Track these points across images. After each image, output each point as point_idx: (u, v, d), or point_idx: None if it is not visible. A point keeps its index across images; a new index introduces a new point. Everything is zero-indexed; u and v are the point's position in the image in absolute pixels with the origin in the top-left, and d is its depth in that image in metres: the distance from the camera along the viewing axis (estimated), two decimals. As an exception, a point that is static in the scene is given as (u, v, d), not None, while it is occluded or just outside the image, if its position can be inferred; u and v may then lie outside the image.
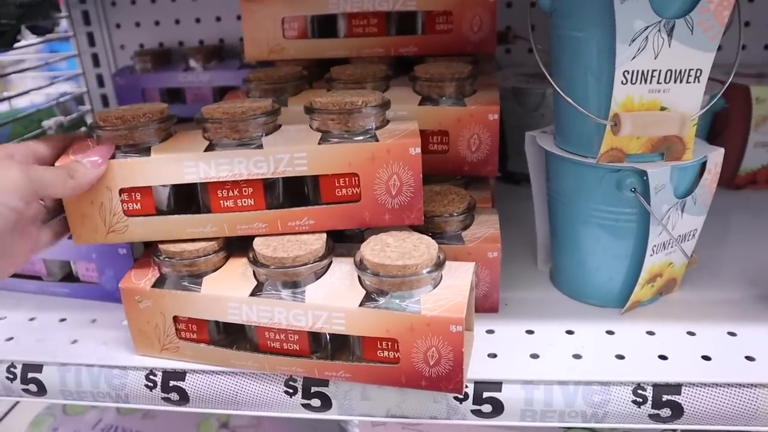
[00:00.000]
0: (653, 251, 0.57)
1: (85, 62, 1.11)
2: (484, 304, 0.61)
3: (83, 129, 1.08)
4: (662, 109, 0.53)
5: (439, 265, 0.51)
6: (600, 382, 0.52)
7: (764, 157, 0.85)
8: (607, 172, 0.55)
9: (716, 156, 0.57)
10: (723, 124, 0.86)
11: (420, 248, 0.52)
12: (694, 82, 0.52)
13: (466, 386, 0.52)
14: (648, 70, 0.51)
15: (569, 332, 0.58)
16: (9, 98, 1.00)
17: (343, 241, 0.58)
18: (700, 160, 0.56)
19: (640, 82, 0.51)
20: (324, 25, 0.75)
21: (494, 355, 0.56)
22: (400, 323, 0.50)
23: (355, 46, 0.74)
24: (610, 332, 0.58)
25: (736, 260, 0.69)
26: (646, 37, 0.50)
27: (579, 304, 0.63)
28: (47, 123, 0.98)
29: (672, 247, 0.58)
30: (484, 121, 0.63)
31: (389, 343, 0.51)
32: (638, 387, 0.52)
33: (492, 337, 0.58)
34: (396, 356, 0.51)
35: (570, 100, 0.54)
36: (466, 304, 0.49)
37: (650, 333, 0.58)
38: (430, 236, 0.55)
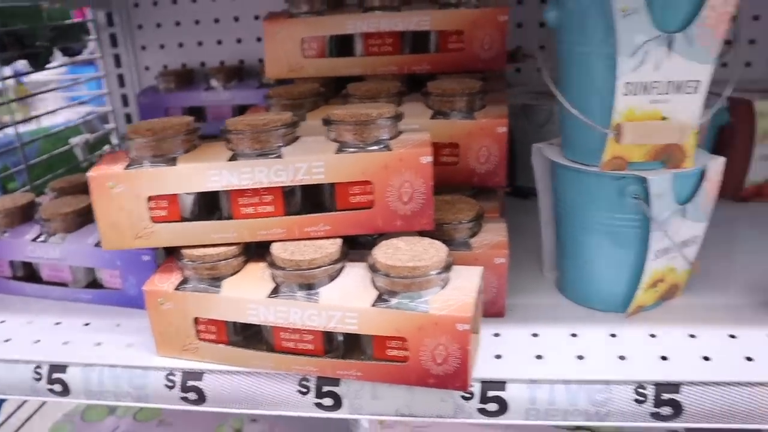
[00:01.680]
0: (655, 256, 0.59)
1: (111, 83, 1.16)
2: (491, 309, 0.63)
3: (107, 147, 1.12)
4: (663, 118, 0.55)
5: (447, 267, 0.54)
6: (602, 381, 0.54)
7: (769, 170, 0.87)
8: (610, 179, 0.58)
9: (716, 164, 0.59)
10: (728, 137, 0.88)
11: (430, 251, 0.54)
12: (693, 93, 0.54)
13: (472, 385, 0.54)
14: (649, 82, 0.53)
15: (573, 335, 0.60)
16: (38, 116, 1.04)
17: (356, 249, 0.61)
18: (700, 167, 0.58)
19: (641, 93, 0.54)
20: (341, 45, 0.78)
21: (499, 356, 0.58)
22: (410, 322, 0.52)
23: (371, 65, 0.77)
24: (612, 335, 0.60)
25: (738, 268, 0.70)
26: (647, 50, 0.52)
27: (583, 308, 0.65)
28: (74, 140, 1.02)
29: (674, 252, 0.60)
30: (493, 134, 0.66)
31: (399, 342, 0.53)
32: (639, 386, 0.53)
33: (498, 340, 0.60)
34: (405, 355, 0.53)
35: (574, 110, 0.57)
36: (473, 304, 0.52)
37: (652, 335, 0.59)
38: (443, 243, 0.57)
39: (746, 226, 0.82)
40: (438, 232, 0.62)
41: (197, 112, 1.03)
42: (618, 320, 0.62)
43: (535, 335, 0.61)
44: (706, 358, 0.55)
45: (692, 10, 0.52)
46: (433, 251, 0.54)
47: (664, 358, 0.56)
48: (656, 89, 0.54)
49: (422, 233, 0.59)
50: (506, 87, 0.98)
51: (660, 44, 0.52)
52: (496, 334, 0.61)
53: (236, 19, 1.10)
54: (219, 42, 1.11)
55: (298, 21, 0.77)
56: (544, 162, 0.65)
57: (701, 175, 0.59)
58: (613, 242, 0.61)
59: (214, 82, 1.01)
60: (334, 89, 0.80)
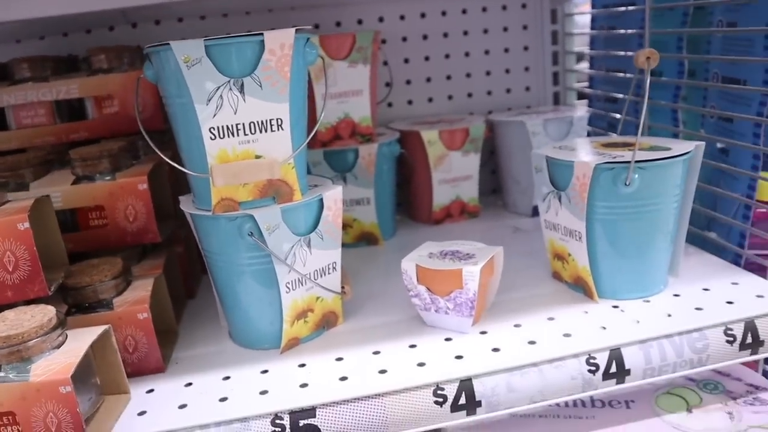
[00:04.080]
0: (288, 289, 0.61)
1: None
2: (148, 365, 0.62)
3: None
4: (257, 157, 0.58)
5: (51, 329, 0.52)
6: (241, 418, 0.55)
7: (451, 192, 0.94)
8: (227, 221, 0.59)
9: (333, 194, 0.63)
10: (410, 167, 0.95)
11: (36, 317, 0.53)
12: (278, 130, 0.57)
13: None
14: (232, 125, 0.56)
15: (226, 378, 0.61)
16: None
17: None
18: (315, 198, 0.61)
19: (228, 136, 0.56)
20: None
21: (144, 413, 0.57)
22: (13, 394, 0.50)
23: (27, 137, 0.75)
24: (264, 371, 0.61)
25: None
26: (221, 95, 0.55)
27: (249, 350, 0.65)
28: None
29: (309, 283, 0.62)
30: (135, 191, 0.66)
31: (9, 418, 0.51)
32: (276, 417, 0.54)
33: (150, 397, 0.59)
34: (19, 430, 0.51)
35: (167, 159, 0.58)
36: (77, 363, 0.50)
37: (302, 365, 0.61)
38: (85, 306, 0.57)
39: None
40: (79, 296, 0.61)
41: None
42: (273, 357, 0.63)
43: (188, 384, 0.61)
44: (344, 378, 0.58)
45: (253, 56, 0.55)
46: (39, 316, 0.53)
47: (303, 385, 0.58)
48: (241, 131, 0.57)
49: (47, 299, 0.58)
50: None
51: (231, 89, 0.55)
52: (150, 390, 0.60)
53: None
54: None
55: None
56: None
57: (320, 205, 0.62)
58: (254, 281, 0.62)
59: None
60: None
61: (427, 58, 1.04)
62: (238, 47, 0.55)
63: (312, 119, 0.84)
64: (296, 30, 0.57)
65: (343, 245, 0.89)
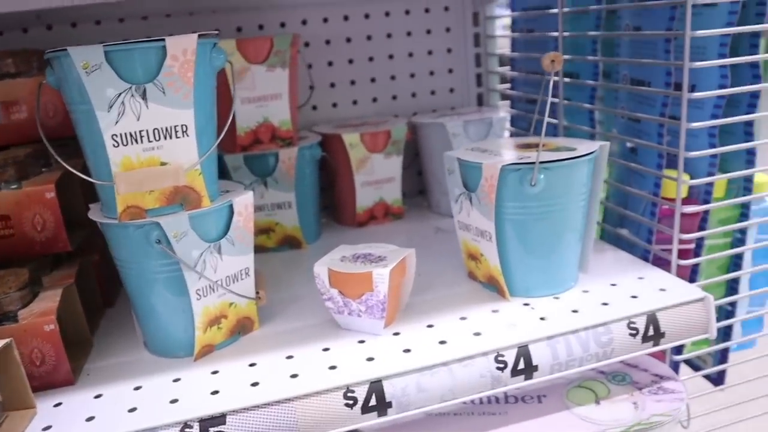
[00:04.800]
0: (199, 295, 0.61)
1: None
2: (57, 378, 0.61)
3: None
4: (162, 164, 0.57)
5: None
6: (149, 428, 0.54)
7: (374, 194, 0.95)
8: (135, 229, 0.59)
9: (244, 199, 0.63)
10: (333, 170, 0.95)
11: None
12: (183, 136, 0.57)
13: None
14: (135, 132, 0.56)
15: (137, 388, 0.60)
16: None
17: None
18: (224, 204, 0.61)
19: (132, 143, 0.56)
20: None
21: (49, 427, 0.55)
22: None
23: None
24: (176, 380, 0.60)
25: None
26: (123, 102, 0.54)
27: (164, 359, 0.65)
28: None
29: (221, 289, 0.62)
30: (42, 200, 0.65)
31: None
32: (185, 425, 0.54)
33: (57, 410, 0.58)
34: None
35: (70, 167, 0.57)
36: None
37: (215, 372, 0.61)
38: None
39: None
40: (-18, 309, 0.59)
41: None
42: (186, 365, 0.63)
43: (98, 396, 0.59)
44: (255, 384, 0.58)
45: (155, 62, 0.55)
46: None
47: (215, 392, 0.57)
48: (145, 137, 0.56)
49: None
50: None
51: (134, 96, 0.55)
52: (58, 404, 0.59)
53: None
54: None
55: None
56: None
57: (230, 211, 0.62)
58: (165, 289, 0.62)
59: None
60: None
61: (351, 61, 1.05)
62: (138, 53, 0.54)
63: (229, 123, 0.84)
64: (201, 35, 0.57)
65: (267, 249, 0.90)
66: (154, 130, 0.56)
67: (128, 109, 0.55)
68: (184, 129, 0.57)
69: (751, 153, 0.76)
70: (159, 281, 0.61)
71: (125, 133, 0.55)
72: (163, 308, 0.63)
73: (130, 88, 0.54)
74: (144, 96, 0.55)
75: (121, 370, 0.64)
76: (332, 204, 1.03)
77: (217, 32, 0.60)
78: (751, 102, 0.75)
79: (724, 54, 0.72)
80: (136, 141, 0.56)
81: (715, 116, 0.74)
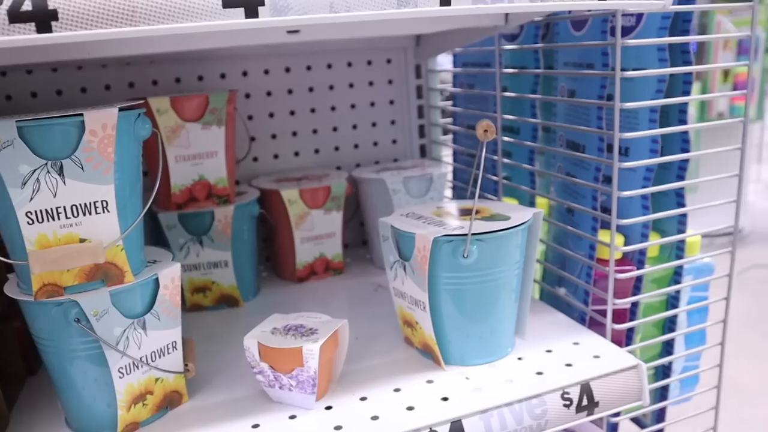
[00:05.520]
0: (122, 373, 0.58)
1: None
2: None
3: None
4: (82, 240, 0.55)
5: None
6: None
7: (314, 249, 0.94)
8: (53, 306, 0.56)
9: (170, 272, 0.61)
10: (271, 227, 0.93)
11: None
12: (103, 212, 0.55)
13: None
14: (51, 209, 0.53)
15: (52, 473, 0.57)
16: None
17: None
18: (149, 279, 0.59)
19: (48, 220, 0.53)
20: None
21: None
22: None
23: None
24: (95, 464, 0.58)
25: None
26: (38, 178, 0.52)
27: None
28: None
29: (145, 366, 0.60)
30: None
31: None
32: None
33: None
34: None
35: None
36: None
37: (136, 454, 0.58)
38: None
39: (304, 305, 0.87)
40: None
41: None
42: (108, 443, 0.60)
43: (10, 483, 0.56)
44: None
45: (72, 137, 0.53)
46: None
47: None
48: (62, 214, 0.54)
49: None
50: None
51: (49, 172, 0.52)
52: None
53: None
54: None
55: None
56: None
57: (156, 285, 0.60)
58: (86, 367, 0.59)
59: None
60: None
61: (292, 113, 1.04)
62: (54, 129, 0.52)
63: (162, 180, 0.82)
64: (123, 108, 0.55)
65: (203, 308, 0.87)
66: (72, 206, 0.54)
67: (44, 186, 0.53)
68: (105, 204, 0.55)
69: (682, 216, 0.78)
70: (79, 359, 0.59)
71: (40, 210, 0.53)
72: (84, 386, 0.60)
73: (46, 164, 0.52)
74: (61, 172, 0.53)
75: (37, 451, 0.61)
76: (272, 257, 1.01)
77: (140, 103, 0.58)
78: (682, 166, 0.76)
79: (655, 120, 0.73)
80: (53, 218, 0.54)
81: (647, 179, 0.75)
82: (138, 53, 0.68)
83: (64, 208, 0.54)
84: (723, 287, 0.81)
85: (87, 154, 0.53)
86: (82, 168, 0.53)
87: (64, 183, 0.53)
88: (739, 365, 1.82)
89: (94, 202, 0.55)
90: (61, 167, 0.53)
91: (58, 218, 0.54)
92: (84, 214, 0.55)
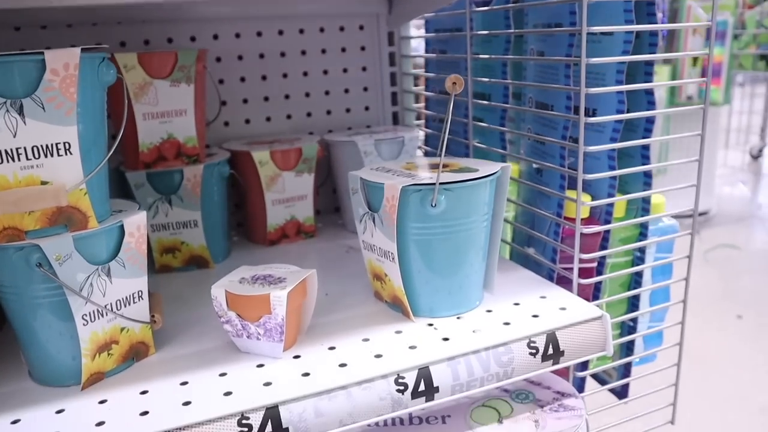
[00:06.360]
0: (86, 321, 0.58)
1: None
2: (-75, 413, 0.57)
3: None
4: (43, 183, 0.54)
5: None
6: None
7: (285, 212, 0.93)
8: (14, 251, 0.55)
9: (136, 220, 0.60)
10: (244, 188, 0.93)
11: None
12: (66, 154, 0.54)
13: None
14: (11, 149, 0.52)
15: (15, 421, 0.56)
16: None
17: None
18: (113, 225, 0.59)
19: (8, 161, 0.53)
20: None
21: None
22: None
23: None
24: (60, 411, 0.57)
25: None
26: (-24, 118, 0.51)
27: (49, 389, 0.61)
28: None
29: (110, 314, 0.59)
30: None
31: None
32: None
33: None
34: None
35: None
36: None
37: (102, 402, 0.58)
38: None
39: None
40: None
41: None
42: (73, 394, 0.59)
43: (-27, 430, 0.56)
44: (145, 413, 0.55)
45: (33, 76, 0.52)
46: None
47: (100, 423, 0.54)
48: (23, 155, 0.53)
49: None
50: None
51: (9, 111, 0.52)
52: (-74, 440, 0.55)
53: None
54: None
55: None
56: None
57: (121, 232, 0.59)
58: (50, 315, 0.58)
59: None
60: None
61: (264, 77, 1.03)
62: (13, 66, 0.51)
63: (128, 139, 0.81)
64: (86, 49, 0.55)
65: (173, 269, 0.87)
66: (33, 147, 0.53)
67: (3, 125, 0.52)
68: (67, 147, 0.54)
69: (647, 175, 0.79)
70: (42, 306, 0.58)
71: (1, 150, 0.52)
72: (47, 335, 0.59)
73: (5, 102, 0.51)
74: (21, 111, 0.52)
75: (0, 401, 0.60)
76: (244, 222, 1.00)
77: (104, 47, 0.58)
78: (647, 127, 0.77)
79: (621, 80, 0.74)
80: (12, 159, 0.53)
81: (613, 140, 0.76)
82: (104, 2, 0.67)
83: (25, 149, 0.53)
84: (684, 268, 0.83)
85: (48, 94, 0.52)
86: (44, 108, 0.53)
87: (24, 123, 0.52)
88: (702, 338, 1.86)
89: (56, 144, 0.54)
90: (21, 106, 0.52)
91: (19, 159, 0.53)
92: (46, 156, 0.54)
